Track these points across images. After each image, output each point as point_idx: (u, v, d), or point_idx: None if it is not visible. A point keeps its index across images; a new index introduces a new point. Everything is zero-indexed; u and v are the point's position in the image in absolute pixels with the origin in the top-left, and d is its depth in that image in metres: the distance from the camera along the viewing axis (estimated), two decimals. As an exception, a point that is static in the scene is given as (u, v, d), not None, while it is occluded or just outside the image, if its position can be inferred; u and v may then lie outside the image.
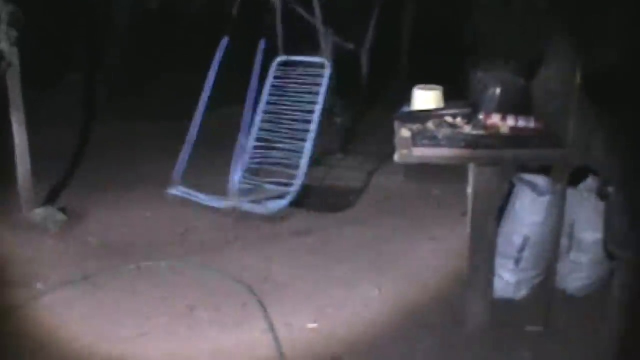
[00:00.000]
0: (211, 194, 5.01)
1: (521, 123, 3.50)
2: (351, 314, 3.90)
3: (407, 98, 3.90)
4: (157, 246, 4.77)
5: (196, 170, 5.35)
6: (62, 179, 5.87)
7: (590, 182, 3.88)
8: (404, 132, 3.49)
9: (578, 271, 3.98)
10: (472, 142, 3.26)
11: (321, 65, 5.44)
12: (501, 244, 3.86)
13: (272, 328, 3.72)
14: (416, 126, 3.59)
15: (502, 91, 3.61)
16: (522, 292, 4.02)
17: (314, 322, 3.81)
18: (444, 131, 3.47)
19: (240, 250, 4.69)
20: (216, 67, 5.30)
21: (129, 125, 7.57)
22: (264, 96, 5.55)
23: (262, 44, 5.36)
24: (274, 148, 5.42)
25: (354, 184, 5.88)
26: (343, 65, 6.65)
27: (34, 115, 5.02)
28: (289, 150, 5.31)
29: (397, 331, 3.74)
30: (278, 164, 5.36)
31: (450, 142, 3.28)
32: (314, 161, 6.08)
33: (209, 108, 5.46)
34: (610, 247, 3.26)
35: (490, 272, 3.62)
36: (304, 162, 5.10)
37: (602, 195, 3.63)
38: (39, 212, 4.99)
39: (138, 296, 4.10)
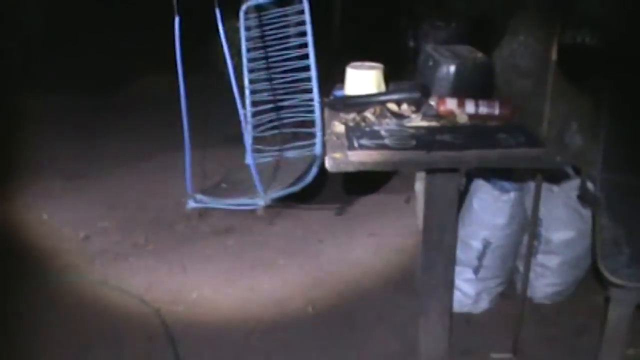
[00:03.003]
0: (235, 194, 4.03)
1: (483, 109, 2.64)
2: (280, 344, 3.03)
3: (339, 77, 2.98)
4: (52, 256, 3.80)
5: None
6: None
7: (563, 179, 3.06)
8: (337, 126, 2.60)
9: (547, 276, 3.29)
10: (425, 142, 2.37)
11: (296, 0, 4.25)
12: (457, 250, 3.05)
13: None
14: (352, 116, 2.70)
15: (458, 69, 2.73)
16: (483, 305, 3.26)
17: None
18: (388, 124, 2.59)
19: (150, 258, 3.77)
20: (181, 58, 3.69)
21: (46, 98, 6.36)
22: (243, 55, 4.38)
23: (218, 13, 3.75)
24: (276, 109, 4.50)
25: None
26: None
27: None
28: (294, 106, 4.40)
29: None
30: (286, 124, 4.52)
31: (398, 141, 2.39)
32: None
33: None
34: (601, 268, 2.42)
35: (447, 293, 2.77)
36: (317, 115, 4.14)
37: (585, 198, 2.80)
38: None
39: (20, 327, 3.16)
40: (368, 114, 2.67)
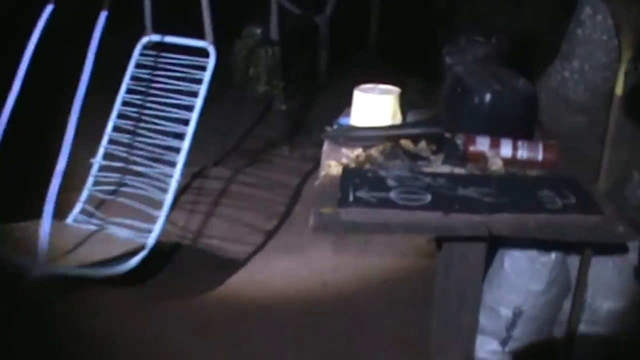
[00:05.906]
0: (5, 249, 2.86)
1: (523, 153, 2.01)
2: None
3: (348, 101, 2.35)
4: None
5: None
6: None
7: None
8: (333, 167, 1.98)
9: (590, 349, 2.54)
10: (443, 198, 1.74)
11: (203, 53, 3.40)
12: (482, 317, 2.42)
13: None
14: (356, 153, 2.08)
15: (494, 99, 2.09)
16: (510, 383, 2.58)
17: None
18: (397, 168, 1.95)
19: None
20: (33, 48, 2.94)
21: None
22: (120, 94, 3.46)
23: (102, 16, 2.91)
24: (128, 171, 3.44)
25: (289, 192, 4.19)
26: (296, 38, 5.12)
27: None
28: (148, 176, 3.38)
29: None
30: (133, 194, 3.39)
31: (407, 194, 1.76)
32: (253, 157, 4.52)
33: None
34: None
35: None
36: (167, 198, 3.18)
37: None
38: None
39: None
40: (375, 152, 2.05)
